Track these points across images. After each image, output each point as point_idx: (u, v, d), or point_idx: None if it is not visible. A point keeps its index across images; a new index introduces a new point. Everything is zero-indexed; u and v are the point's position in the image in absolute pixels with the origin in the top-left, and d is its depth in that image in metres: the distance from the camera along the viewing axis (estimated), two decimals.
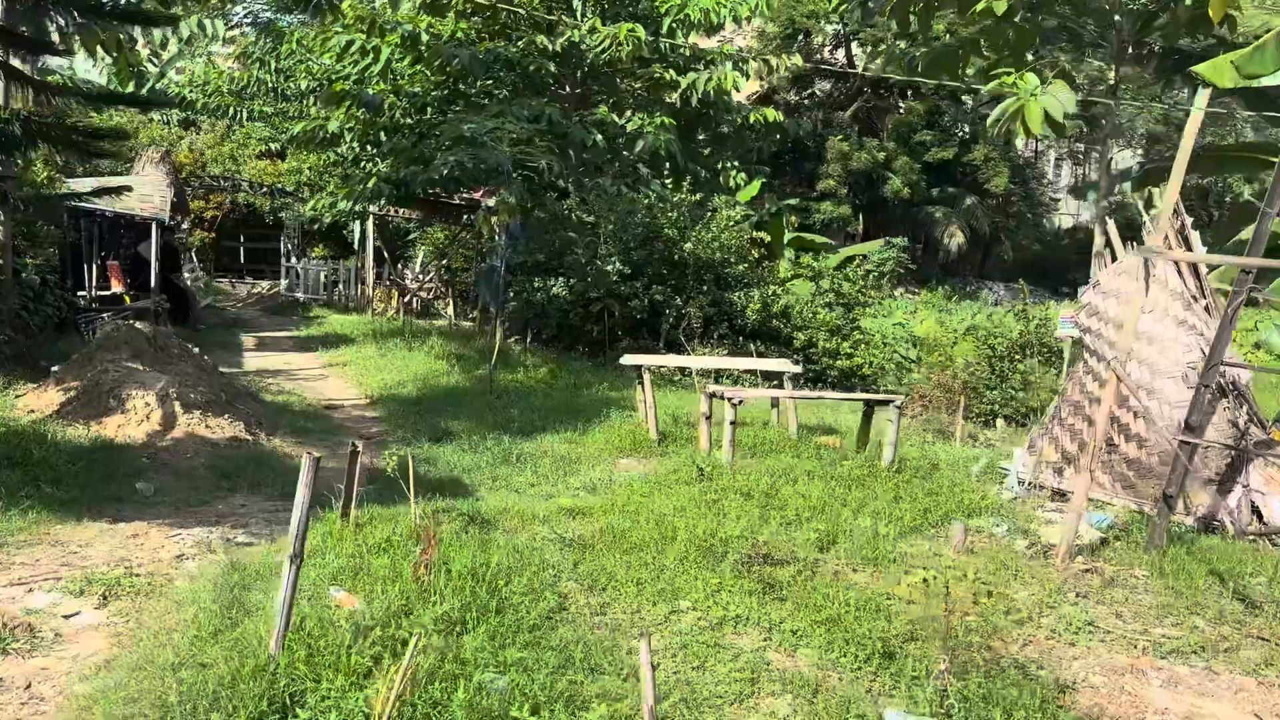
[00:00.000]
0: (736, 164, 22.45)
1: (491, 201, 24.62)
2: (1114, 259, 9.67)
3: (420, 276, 28.40)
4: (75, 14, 7.44)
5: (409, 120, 22.06)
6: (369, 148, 24.32)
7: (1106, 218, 9.79)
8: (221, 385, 11.16)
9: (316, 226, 30.17)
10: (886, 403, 9.34)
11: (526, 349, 17.49)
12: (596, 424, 11.74)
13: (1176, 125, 51.96)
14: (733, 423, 8.99)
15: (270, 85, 27.31)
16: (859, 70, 50.51)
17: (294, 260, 28.73)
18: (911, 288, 49.36)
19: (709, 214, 17.68)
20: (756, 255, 17.54)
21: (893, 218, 51.46)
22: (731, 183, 21.33)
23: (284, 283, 27.35)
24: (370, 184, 21.08)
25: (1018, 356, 15.32)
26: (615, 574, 6.15)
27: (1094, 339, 9.50)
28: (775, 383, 11.53)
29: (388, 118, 21.60)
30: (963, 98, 54.55)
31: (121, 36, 20.83)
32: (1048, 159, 64.73)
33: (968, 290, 50.97)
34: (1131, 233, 10.27)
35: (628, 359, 11.22)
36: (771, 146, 28.96)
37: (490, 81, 20.96)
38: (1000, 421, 14.46)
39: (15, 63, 8.15)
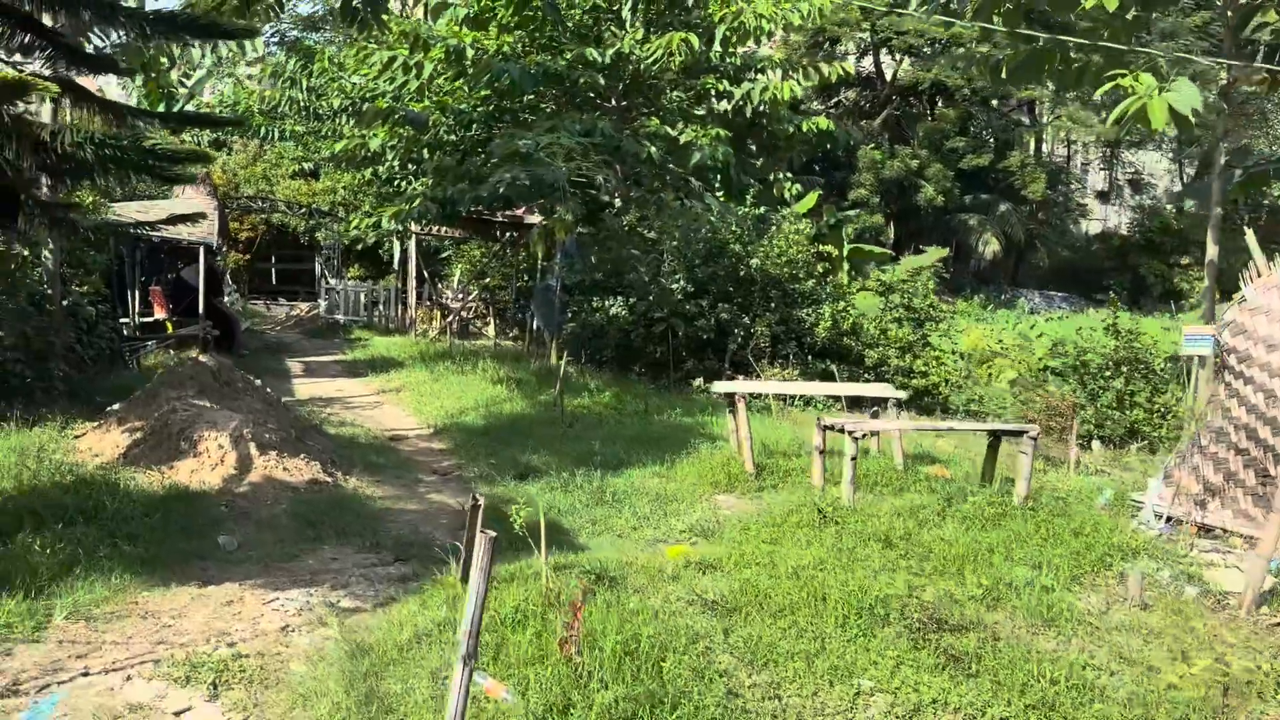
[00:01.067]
0: (789, 175, 21.80)
1: (537, 219, 24.09)
2: (1259, 273, 8.91)
3: (459, 296, 27.83)
4: (146, 28, 6.80)
5: (453, 137, 21.54)
6: (409, 165, 23.84)
7: (1242, 228, 9.06)
8: (290, 420, 10.53)
9: (360, 246, 29.70)
10: (1019, 433, 8.60)
11: (583, 371, 16.83)
12: (683, 455, 11.05)
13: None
14: (853, 458, 8.28)
15: (303, 104, 26.94)
16: (902, 76, 49.75)
17: (330, 281, 28.21)
18: (945, 297, 48.54)
19: (772, 227, 16.99)
20: (822, 270, 16.82)
21: (925, 226, 50.71)
22: (787, 194, 20.66)
23: (323, 304, 26.81)
24: (416, 202, 20.52)
25: (1108, 373, 14.53)
26: (775, 645, 5.46)
27: (1240, 360, 8.75)
28: (875, 410, 10.81)
29: (432, 134, 21.08)
30: (993, 103, 53.89)
31: (164, 57, 20.37)
32: (1076, 164, 63.81)
33: (1003, 299, 50.05)
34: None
35: (720, 386, 10.54)
36: (803, 156, 28.30)
37: (534, 96, 20.39)
38: (1096, 444, 13.69)
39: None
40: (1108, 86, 10.13)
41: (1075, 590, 6.74)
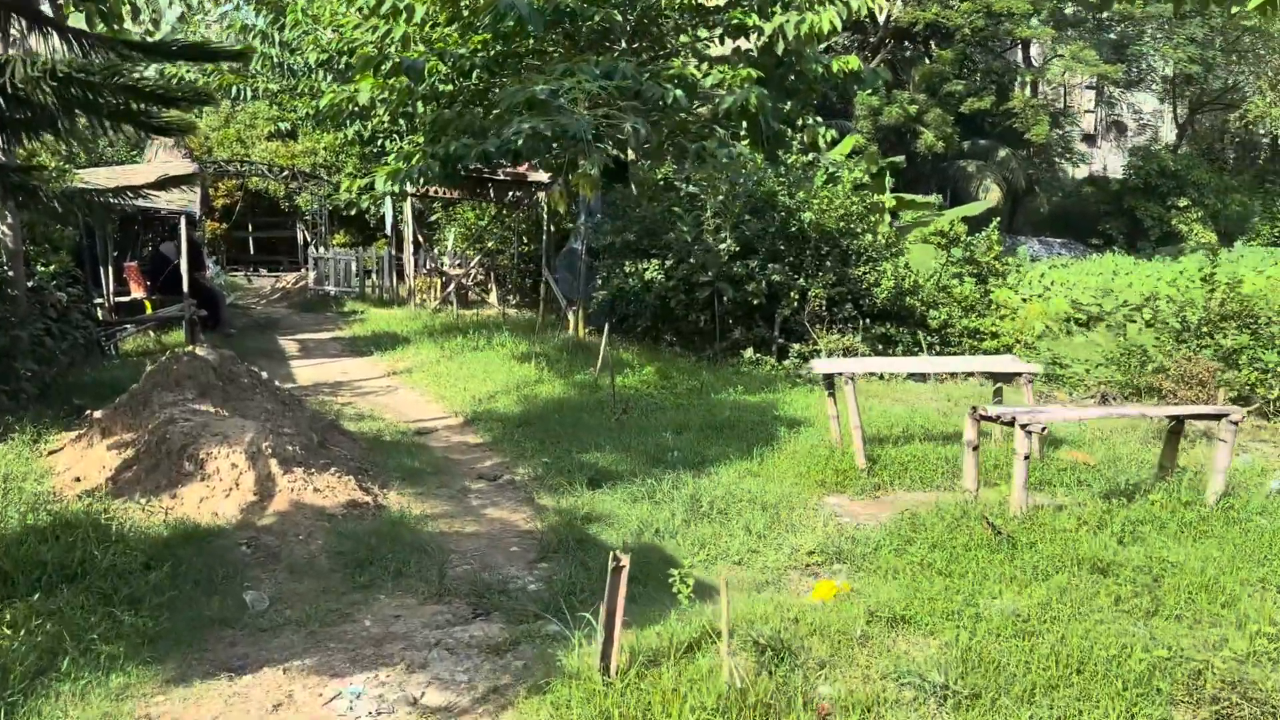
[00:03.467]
0: (821, 119, 20.01)
1: (541, 175, 22.22)
2: None
3: (456, 262, 25.99)
4: None
5: (449, 87, 19.60)
6: (400, 121, 21.91)
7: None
8: (308, 421, 8.82)
9: (353, 211, 27.73)
10: (1216, 416, 7.03)
11: (612, 343, 15.16)
12: (769, 447, 9.44)
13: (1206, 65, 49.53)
14: (1026, 457, 6.68)
15: (275, 60, 24.91)
16: (896, 17, 47.61)
17: (317, 249, 26.25)
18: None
19: (825, 177, 15.24)
20: (880, 222, 15.16)
21: (922, 173, 49.04)
22: (821, 140, 18.88)
23: (311, 275, 24.90)
24: (415, 160, 18.63)
25: (1206, 330, 13.00)
26: None
27: None
28: (998, 387, 9.22)
29: (427, 84, 19.13)
30: (991, 44, 52.09)
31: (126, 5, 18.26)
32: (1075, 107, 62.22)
33: (1003, 247, 48.64)
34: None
35: (821, 366, 8.89)
36: (814, 99, 26.46)
37: (541, 38, 18.47)
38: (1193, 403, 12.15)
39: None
40: None
41: None
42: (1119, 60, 52.40)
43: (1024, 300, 17.05)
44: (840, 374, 8.55)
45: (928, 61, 49.61)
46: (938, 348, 14.55)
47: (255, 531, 6.60)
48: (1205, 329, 12.91)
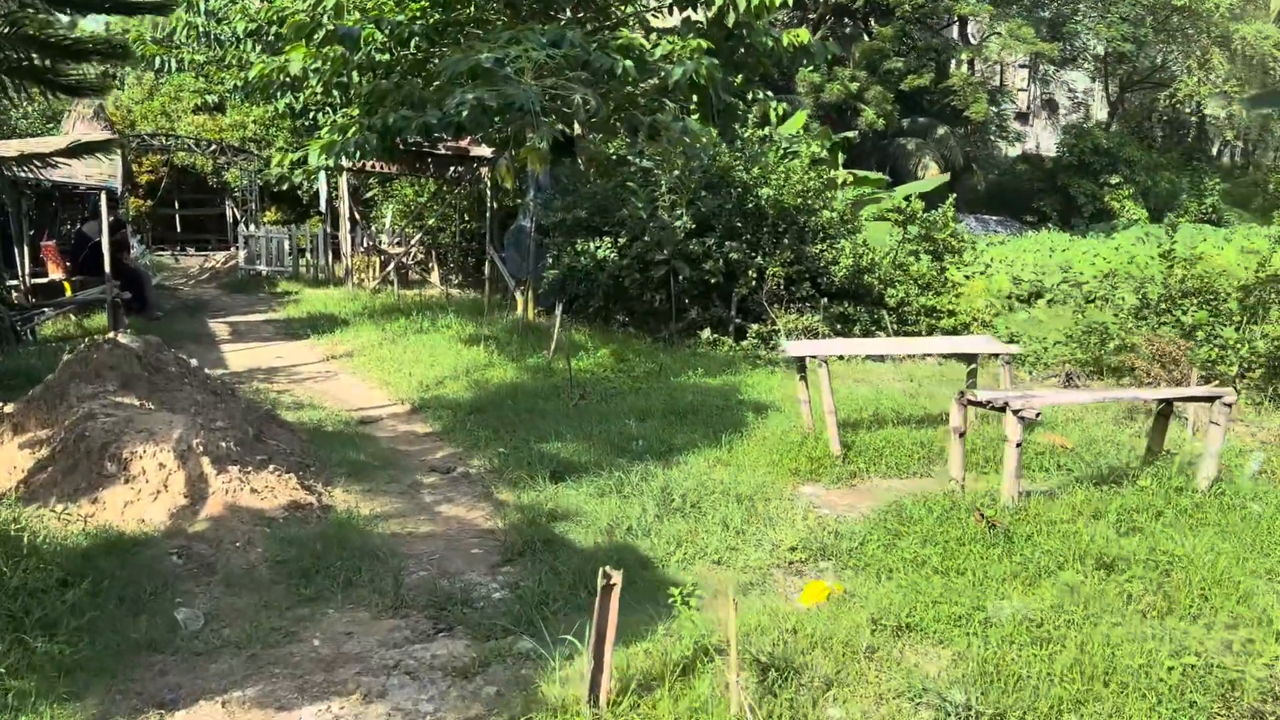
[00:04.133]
0: (771, 94, 19.60)
1: (484, 150, 21.47)
2: None
3: (396, 240, 25.12)
4: None
5: (386, 57, 18.79)
6: (334, 93, 21.02)
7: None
8: (242, 412, 8.16)
9: (285, 187, 26.63)
10: (1209, 399, 6.73)
11: (565, 324, 14.61)
12: (736, 433, 9.01)
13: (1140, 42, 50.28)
14: (1018, 444, 6.32)
15: (201, 30, 23.80)
16: None
17: (248, 227, 25.15)
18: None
19: (780, 152, 14.80)
20: (835, 199, 14.74)
21: (863, 151, 49.01)
22: (772, 115, 18.47)
23: (241, 254, 23.83)
24: (352, 133, 17.80)
25: (1165, 306, 12.86)
26: None
27: None
28: (972, 369, 8.88)
29: (363, 54, 18.27)
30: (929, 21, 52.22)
31: None
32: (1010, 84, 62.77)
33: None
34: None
35: (794, 348, 8.45)
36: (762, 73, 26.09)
37: (482, 5, 17.80)
38: (1164, 384, 12.03)
39: None
40: None
41: None
42: (1054, 38, 52.87)
43: (966, 278, 16.86)
44: (814, 357, 8.12)
45: (867, 39, 49.54)
46: (895, 326, 14.25)
47: (187, 539, 5.97)
48: (1164, 305, 12.77)
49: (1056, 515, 6.28)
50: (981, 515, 6.14)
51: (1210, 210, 48.14)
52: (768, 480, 7.75)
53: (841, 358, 12.73)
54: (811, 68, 48.92)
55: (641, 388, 11.12)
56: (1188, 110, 55.74)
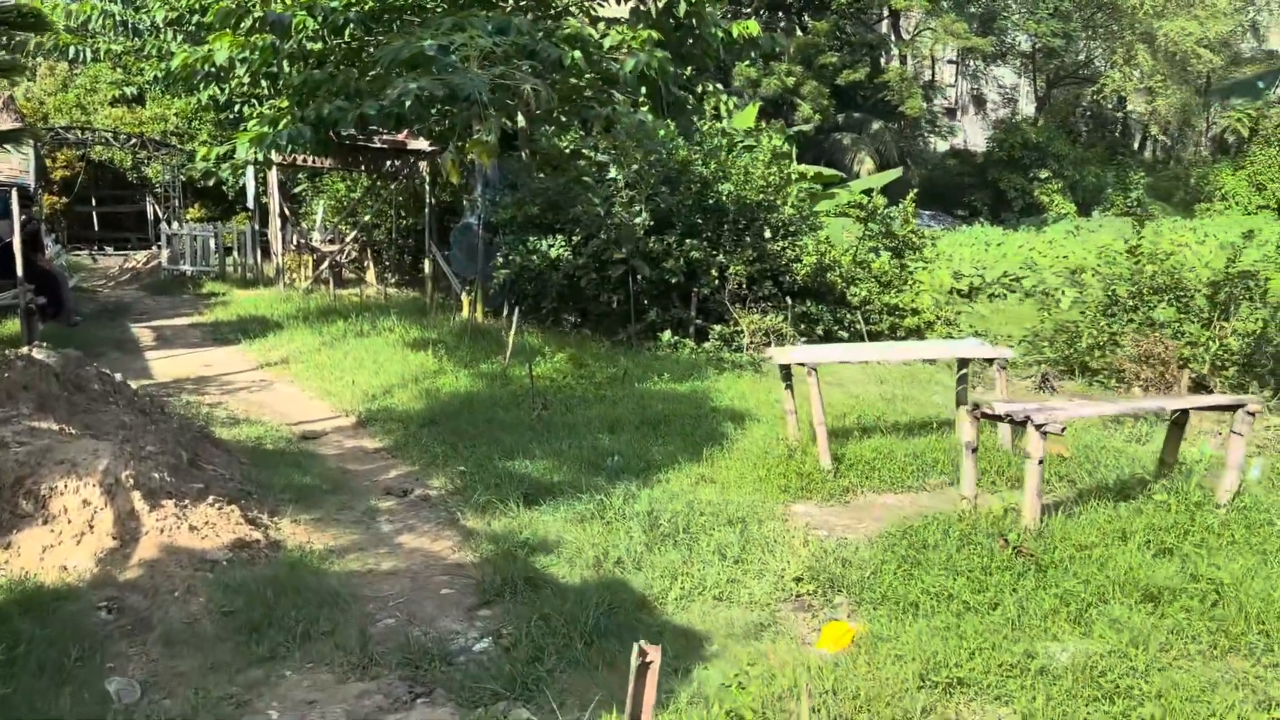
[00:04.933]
0: (721, 86, 19.09)
1: (422, 143, 20.60)
2: None
3: (329, 238, 24.08)
4: None
5: (319, 46, 17.82)
6: (262, 84, 19.95)
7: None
8: (174, 433, 7.33)
9: (212, 182, 25.39)
10: (1233, 407, 6.33)
11: (518, 328, 13.91)
12: (716, 445, 8.45)
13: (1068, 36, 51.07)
14: (1041, 462, 5.84)
15: (118, 18, 22.52)
16: None
17: (171, 225, 23.89)
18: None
19: (737, 147, 14.26)
20: (793, 195, 14.25)
21: (800, 146, 49.03)
22: (724, 108, 17.93)
23: (164, 253, 22.59)
24: (283, 125, 16.82)
25: (1134, 304, 12.63)
26: None
27: None
28: (962, 374, 8.43)
29: (294, 42, 17.29)
30: (862, 16, 52.39)
31: None
32: (941, 79, 63.40)
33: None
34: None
35: (781, 355, 7.89)
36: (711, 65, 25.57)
37: None
38: (1137, 389, 11.78)
39: None
40: None
41: None
42: (985, 34, 53.48)
43: (910, 272, 16.58)
44: (803, 364, 7.58)
45: (800, 33, 49.49)
46: (859, 326, 13.83)
47: (117, 589, 5.20)
48: (1132, 302, 12.54)
49: (1082, 537, 5.82)
50: (1006, 541, 5.65)
51: (1135, 204, 49.10)
52: (757, 499, 7.20)
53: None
54: (748, 62, 48.75)
55: (606, 395, 10.49)
56: (1111, 106, 56.88)
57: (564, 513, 6.81)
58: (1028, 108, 61.32)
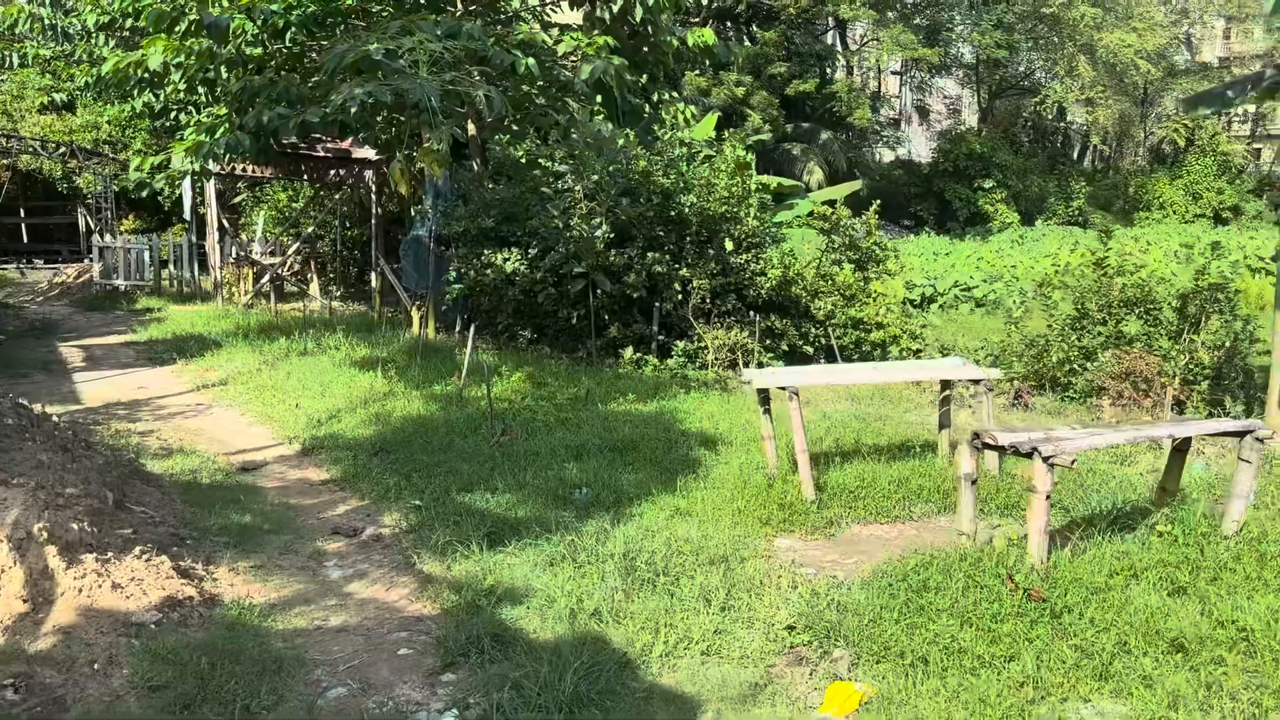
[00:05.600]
0: (676, 95, 18.72)
1: (367, 152, 19.94)
2: None
3: (269, 250, 23.24)
4: None
5: (258, 51, 17.09)
6: (199, 90, 19.13)
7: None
8: (98, 471, 6.66)
9: (145, 193, 24.41)
10: (1242, 433, 5.99)
11: (474, 347, 13.32)
12: (690, 474, 7.97)
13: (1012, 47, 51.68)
14: (1048, 496, 5.43)
15: (47, 22, 21.62)
16: None
17: (103, 237, 22.87)
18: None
19: (698, 156, 13.83)
20: (754, 205, 13.82)
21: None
22: (681, 117, 17.53)
23: (97, 267, 21.59)
24: (220, 133, 16.09)
25: (1103, 317, 12.39)
26: None
27: None
28: (945, 395, 8.04)
29: (232, 47, 16.54)
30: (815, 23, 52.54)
31: None
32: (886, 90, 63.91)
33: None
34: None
35: (759, 379, 7.42)
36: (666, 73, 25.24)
37: None
38: (1111, 407, 11.52)
39: None
40: None
41: None
42: (930, 45, 53.91)
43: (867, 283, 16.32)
44: (783, 388, 7.11)
45: (748, 43, 49.44)
46: (824, 340, 13.46)
47: (26, 664, 4.54)
48: (1101, 315, 12.30)
49: (1092, 577, 5.42)
50: (1015, 584, 5.23)
51: (1076, 213, 49.74)
52: (738, 534, 6.72)
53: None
54: (698, 71, 48.60)
55: (569, 418, 9.95)
56: (1052, 116, 57.66)
57: (531, 554, 6.27)
58: (971, 118, 62.01)
